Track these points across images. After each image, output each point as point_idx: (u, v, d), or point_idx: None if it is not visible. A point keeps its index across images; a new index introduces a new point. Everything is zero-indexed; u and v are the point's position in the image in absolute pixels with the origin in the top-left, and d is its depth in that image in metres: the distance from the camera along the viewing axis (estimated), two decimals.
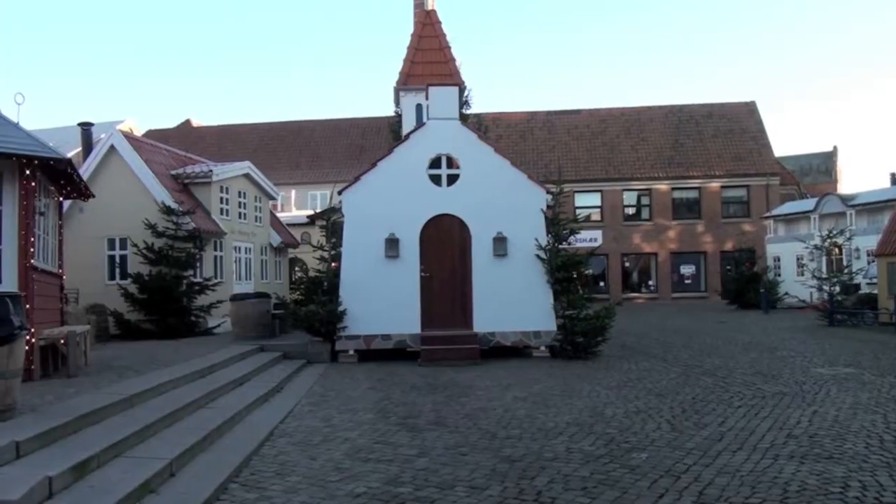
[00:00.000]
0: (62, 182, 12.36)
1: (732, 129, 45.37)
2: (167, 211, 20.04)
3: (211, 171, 23.06)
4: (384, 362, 15.59)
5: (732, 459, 7.21)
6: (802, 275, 33.68)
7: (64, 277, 13.58)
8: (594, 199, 43.50)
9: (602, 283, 42.22)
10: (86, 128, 24.25)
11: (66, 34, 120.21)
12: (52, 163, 10.52)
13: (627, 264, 44.44)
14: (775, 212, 39.36)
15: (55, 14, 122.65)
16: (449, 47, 25.03)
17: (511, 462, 7.30)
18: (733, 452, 7.48)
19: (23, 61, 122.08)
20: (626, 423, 9.02)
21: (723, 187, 43.44)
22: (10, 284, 9.91)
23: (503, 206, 16.59)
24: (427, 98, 17.62)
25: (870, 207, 32.61)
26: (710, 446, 7.75)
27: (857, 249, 31.41)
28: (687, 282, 43.44)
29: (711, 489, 6.30)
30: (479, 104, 57.19)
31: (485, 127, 36.39)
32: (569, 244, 17.40)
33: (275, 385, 12.11)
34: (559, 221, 17.11)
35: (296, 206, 41.71)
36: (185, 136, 47.56)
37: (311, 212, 35.10)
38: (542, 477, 6.77)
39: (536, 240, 16.49)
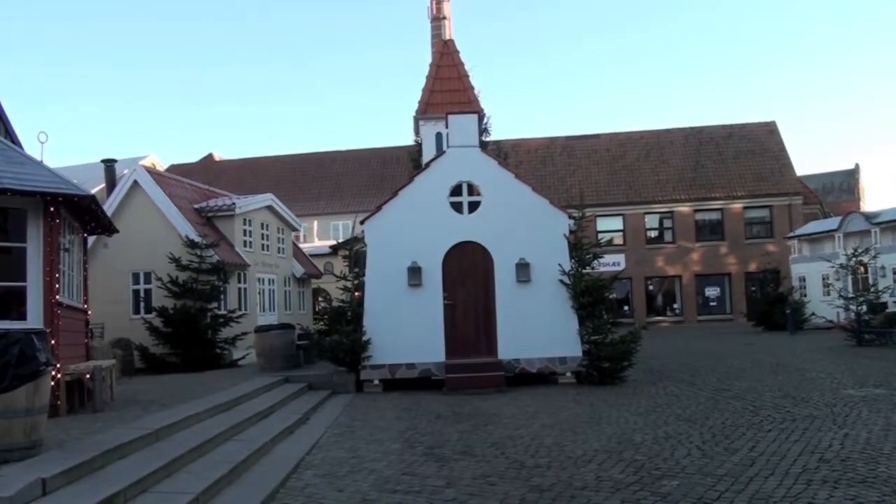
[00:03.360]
0: (86, 218, 12.48)
1: (753, 150, 45.21)
2: (191, 244, 20.19)
3: (234, 203, 23.26)
4: (409, 391, 15.52)
5: (765, 485, 7.08)
6: (828, 294, 33.27)
7: (89, 312, 13.67)
8: (616, 223, 43.40)
9: (626, 308, 41.99)
10: (109, 164, 24.58)
11: (88, 71, 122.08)
12: (75, 199, 10.63)
13: (651, 288, 44.23)
14: (799, 231, 38.98)
15: (77, 52, 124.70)
16: (467, 76, 25.14)
17: (540, 491, 7.21)
18: (765, 478, 7.35)
19: (45, 98, 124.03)
20: (655, 450, 8.90)
21: (745, 208, 43.26)
22: (36, 321, 10.00)
23: (525, 232, 16.52)
24: (447, 126, 17.66)
25: (894, 224, 32.25)
26: (742, 472, 7.62)
27: (883, 267, 31.00)
28: (712, 304, 43.14)
29: None
30: (499, 131, 57.37)
31: (504, 154, 36.24)
32: (592, 269, 17.31)
33: (300, 416, 12.07)
34: (582, 246, 17.04)
35: (318, 236, 42.01)
36: (208, 170, 48.06)
37: (333, 242, 35.31)
38: None
39: (560, 265, 16.38)
